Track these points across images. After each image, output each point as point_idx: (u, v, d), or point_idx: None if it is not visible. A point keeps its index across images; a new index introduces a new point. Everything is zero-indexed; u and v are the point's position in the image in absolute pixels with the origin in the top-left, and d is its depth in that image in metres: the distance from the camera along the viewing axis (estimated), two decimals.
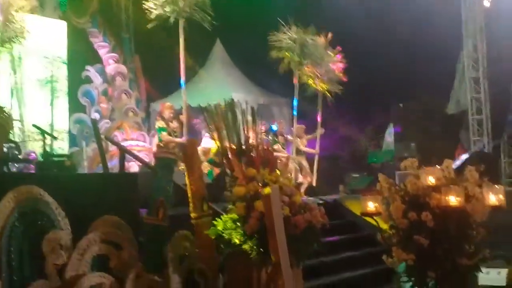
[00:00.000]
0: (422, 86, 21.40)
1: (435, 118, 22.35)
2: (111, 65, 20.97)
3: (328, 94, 16.88)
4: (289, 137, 16.94)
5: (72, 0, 19.61)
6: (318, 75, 16.73)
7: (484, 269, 7.55)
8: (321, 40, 16.65)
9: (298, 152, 16.86)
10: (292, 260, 7.41)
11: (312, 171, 17.22)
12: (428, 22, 20.18)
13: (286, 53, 16.13)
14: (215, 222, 7.87)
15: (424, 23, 20.37)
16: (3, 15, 14.63)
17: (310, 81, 16.75)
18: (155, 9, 14.24)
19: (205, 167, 15.25)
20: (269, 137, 16.21)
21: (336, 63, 16.89)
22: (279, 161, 15.10)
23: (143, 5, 14.44)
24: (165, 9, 14.13)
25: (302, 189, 15.89)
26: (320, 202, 12.88)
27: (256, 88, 21.75)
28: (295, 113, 17.04)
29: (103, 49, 21.02)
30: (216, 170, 15.23)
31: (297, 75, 16.44)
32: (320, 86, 16.78)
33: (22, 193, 6.27)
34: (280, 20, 16.17)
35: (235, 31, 21.70)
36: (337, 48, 17.05)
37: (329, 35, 16.78)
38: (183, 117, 14.93)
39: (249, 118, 8.39)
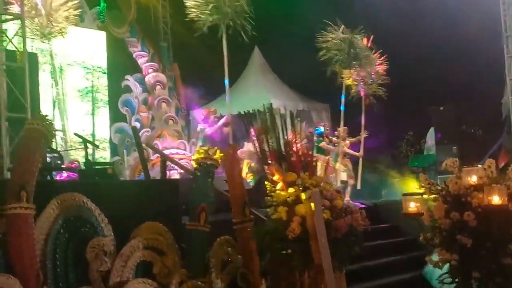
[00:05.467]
0: (463, 89, 21.23)
1: (477, 121, 22.16)
2: (150, 74, 21.08)
3: (373, 97, 16.68)
4: (334, 139, 16.91)
5: (111, 10, 19.80)
6: (363, 78, 16.58)
7: None
8: (364, 42, 16.55)
9: (343, 154, 16.89)
10: (335, 264, 7.40)
11: (356, 174, 17.20)
12: (469, 23, 19.99)
13: (335, 52, 16.01)
14: (257, 227, 7.89)
15: (464, 24, 20.19)
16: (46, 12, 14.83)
17: (352, 84, 16.62)
18: (200, 18, 14.25)
19: (249, 176, 15.35)
20: (315, 138, 16.35)
21: (379, 65, 16.74)
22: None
23: (188, 15, 14.44)
24: (211, 17, 14.13)
25: (347, 193, 15.95)
26: (362, 206, 12.85)
27: (295, 94, 21.74)
28: (342, 108, 16.99)
29: (142, 58, 21.15)
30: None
31: (344, 75, 16.31)
32: (367, 88, 16.61)
33: (66, 200, 6.34)
34: (328, 22, 16.06)
35: (273, 37, 21.75)
36: (377, 51, 16.84)
37: (371, 38, 16.59)
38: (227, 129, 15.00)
39: (289, 122, 8.42)
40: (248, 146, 15.96)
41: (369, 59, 16.35)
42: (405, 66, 21.24)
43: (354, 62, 16.17)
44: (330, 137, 17.07)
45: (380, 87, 16.69)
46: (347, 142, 17.13)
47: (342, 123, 17.10)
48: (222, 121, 14.84)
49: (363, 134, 17.12)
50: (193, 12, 14.40)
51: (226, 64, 14.26)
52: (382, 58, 16.77)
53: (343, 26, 16.08)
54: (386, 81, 16.78)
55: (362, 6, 20.36)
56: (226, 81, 14.44)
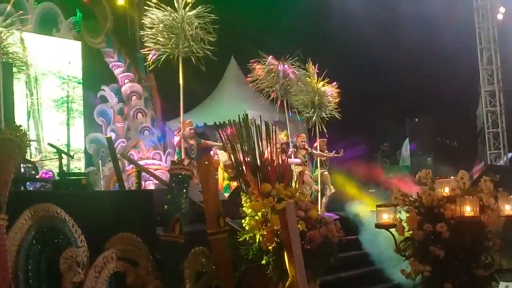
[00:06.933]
0: (438, 100, 21.37)
1: (451, 132, 22.31)
2: (126, 84, 21.09)
3: (321, 122, 16.28)
4: (315, 151, 16.88)
5: (87, 20, 19.78)
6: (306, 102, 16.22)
7: (503, 283, 7.53)
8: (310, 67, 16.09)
9: (322, 166, 16.95)
10: (309, 275, 7.40)
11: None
12: (443, 35, 20.14)
13: (267, 82, 15.71)
14: (231, 238, 7.89)
15: (440, 37, 20.33)
16: None
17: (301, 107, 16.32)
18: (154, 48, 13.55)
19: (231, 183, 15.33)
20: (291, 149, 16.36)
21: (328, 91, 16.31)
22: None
23: (145, 44, 13.73)
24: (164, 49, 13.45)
25: (324, 203, 15.96)
26: (336, 217, 12.85)
27: (272, 105, 21.76)
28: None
29: (118, 68, 21.14)
30: (232, 184, 15.35)
31: (284, 103, 16.09)
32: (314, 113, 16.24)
33: (39, 211, 6.30)
34: (260, 52, 15.75)
35: (249, 48, 21.81)
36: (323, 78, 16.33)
37: (314, 65, 16.10)
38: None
39: (264, 133, 8.42)
40: (221, 155, 15.93)
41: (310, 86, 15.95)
42: (382, 77, 21.37)
43: (292, 90, 15.83)
44: (307, 147, 17.06)
45: (327, 113, 16.22)
46: (324, 154, 17.11)
47: (288, 134, 16.98)
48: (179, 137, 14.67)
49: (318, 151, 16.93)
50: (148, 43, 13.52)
51: (182, 93, 13.74)
52: (331, 85, 16.26)
53: (270, 56, 15.65)
54: (334, 103, 16.27)
55: (342, 18, 20.44)
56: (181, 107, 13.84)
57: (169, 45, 13.13)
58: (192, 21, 13.19)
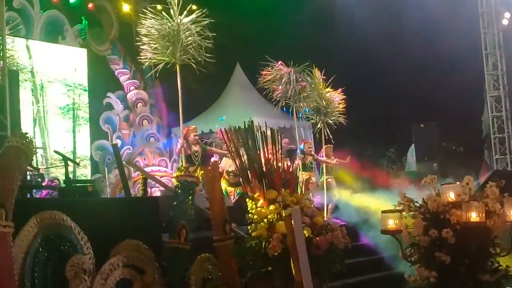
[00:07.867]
0: (443, 106, 21.32)
1: (457, 138, 22.25)
2: (132, 91, 21.10)
3: (327, 127, 16.23)
4: (320, 157, 16.91)
5: (93, 28, 19.82)
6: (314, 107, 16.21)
7: None
8: (316, 74, 16.05)
9: (328, 172, 16.94)
10: (315, 281, 7.38)
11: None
12: (448, 41, 20.09)
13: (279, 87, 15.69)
14: (237, 245, 7.88)
15: (446, 43, 20.27)
16: None
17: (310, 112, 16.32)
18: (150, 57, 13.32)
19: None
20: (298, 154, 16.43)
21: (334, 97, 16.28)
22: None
23: (139, 50, 13.50)
24: (162, 57, 13.22)
25: (330, 209, 15.93)
26: (342, 222, 12.82)
27: (278, 111, 21.74)
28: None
29: (124, 75, 21.15)
30: (229, 189, 15.36)
31: (295, 107, 16.12)
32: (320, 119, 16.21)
33: (45, 218, 6.31)
34: (267, 57, 15.68)
35: (255, 54, 21.83)
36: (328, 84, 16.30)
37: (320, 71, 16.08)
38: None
39: (269, 140, 8.40)
40: (224, 162, 15.92)
41: (320, 92, 15.92)
42: (387, 83, 21.33)
43: (303, 95, 15.80)
44: (313, 153, 17.06)
45: (337, 115, 16.16)
46: (331, 160, 17.15)
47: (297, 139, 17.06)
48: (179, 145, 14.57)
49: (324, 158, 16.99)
50: (146, 54, 13.26)
51: (180, 100, 13.52)
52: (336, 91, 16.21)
53: (279, 62, 15.59)
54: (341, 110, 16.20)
55: (348, 24, 20.41)
56: (181, 114, 13.58)
57: (166, 53, 13.05)
58: (188, 27, 13.12)
